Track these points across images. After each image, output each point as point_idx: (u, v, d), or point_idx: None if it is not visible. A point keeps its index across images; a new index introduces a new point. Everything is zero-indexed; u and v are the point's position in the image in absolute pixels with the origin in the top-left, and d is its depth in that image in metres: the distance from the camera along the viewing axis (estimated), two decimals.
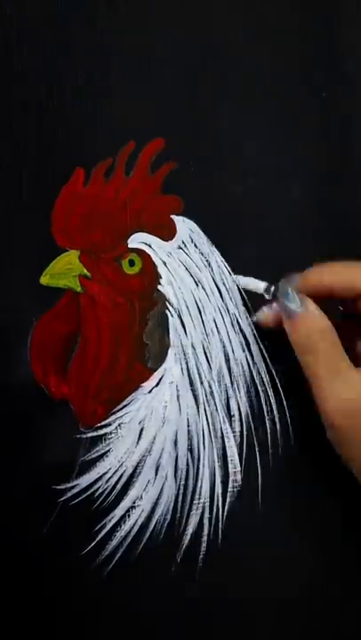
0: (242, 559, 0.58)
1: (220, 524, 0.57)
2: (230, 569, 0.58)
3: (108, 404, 0.57)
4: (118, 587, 0.57)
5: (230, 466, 0.57)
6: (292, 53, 0.61)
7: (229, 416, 0.58)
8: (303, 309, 0.53)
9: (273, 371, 0.59)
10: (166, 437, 0.57)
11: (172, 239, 0.58)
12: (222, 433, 0.57)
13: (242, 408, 0.58)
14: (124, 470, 0.56)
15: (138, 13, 0.58)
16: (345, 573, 0.60)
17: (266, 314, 0.57)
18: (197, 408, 0.57)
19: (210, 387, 0.57)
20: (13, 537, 0.56)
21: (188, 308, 0.57)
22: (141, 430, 0.57)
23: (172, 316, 0.57)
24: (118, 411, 0.57)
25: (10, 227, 0.57)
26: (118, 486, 0.56)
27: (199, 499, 0.57)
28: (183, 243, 0.58)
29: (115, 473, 0.56)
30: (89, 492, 0.56)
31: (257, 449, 0.58)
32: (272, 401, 0.58)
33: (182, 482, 0.57)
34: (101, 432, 0.57)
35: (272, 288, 0.56)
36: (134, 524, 0.56)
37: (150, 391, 0.57)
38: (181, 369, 0.57)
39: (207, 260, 0.58)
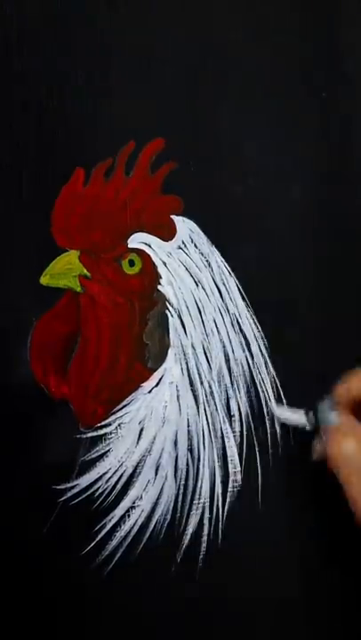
0: (242, 559, 0.58)
1: (220, 523, 0.57)
2: (230, 569, 0.58)
3: (108, 404, 0.57)
4: (118, 587, 0.56)
5: (230, 466, 0.57)
6: (292, 53, 0.61)
7: (229, 416, 0.58)
8: (338, 421, 0.53)
9: (273, 371, 0.59)
10: (166, 437, 0.57)
11: (172, 239, 0.58)
12: (222, 433, 0.57)
13: (242, 408, 0.58)
14: (124, 470, 0.56)
15: (138, 13, 0.58)
16: (345, 573, 0.60)
17: (319, 450, 0.56)
18: (197, 408, 0.57)
19: (210, 387, 0.57)
20: (13, 537, 0.56)
21: (188, 308, 0.57)
22: (141, 430, 0.57)
23: (172, 316, 0.57)
24: (118, 411, 0.57)
25: (10, 227, 0.57)
26: (118, 486, 0.56)
27: (199, 499, 0.57)
28: (183, 243, 0.58)
29: (115, 473, 0.56)
30: (89, 492, 0.56)
31: (257, 449, 0.58)
32: (272, 401, 0.58)
33: (182, 482, 0.57)
34: (101, 432, 0.57)
35: (310, 415, 0.55)
36: (134, 524, 0.56)
37: (150, 391, 0.57)
38: (181, 369, 0.57)
39: (207, 260, 0.58)
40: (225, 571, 0.57)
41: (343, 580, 0.60)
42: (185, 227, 0.58)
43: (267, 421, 0.58)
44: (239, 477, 0.58)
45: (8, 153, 0.57)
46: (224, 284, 0.58)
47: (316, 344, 0.60)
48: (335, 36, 0.62)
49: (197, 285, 0.58)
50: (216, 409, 0.57)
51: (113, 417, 0.57)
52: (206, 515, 0.57)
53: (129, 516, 0.56)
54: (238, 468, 0.58)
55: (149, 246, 0.57)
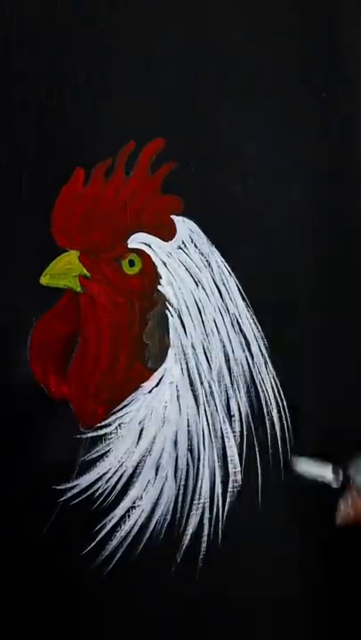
0: (242, 559, 0.58)
1: (220, 524, 0.57)
2: (230, 569, 0.58)
3: (108, 403, 0.57)
4: (118, 587, 0.56)
5: (230, 466, 0.57)
6: (292, 53, 0.61)
7: (229, 416, 0.58)
8: None
9: (273, 371, 0.58)
10: (166, 437, 0.57)
11: (172, 239, 0.58)
12: (222, 433, 0.57)
13: (242, 408, 0.58)
14: (124, 470, 0.56)
15: (138, 13, 0.58)
16: (345, 573, 0.60)
17: (345, 510, 0.53)
18: (197, 408, 0.57)
19: (210, 387, 0.57)
20: (13, 537, 0.56)
21: (188, 308, 0.57)
22: (141, 430, 0.57)
23: (172, 316, 0.57)
24: (118, 411, 0.57)
25: (10, 227, 0.57)
26: (118, 486, 0.56)
27: (199, 499, 0.57)
28: (183, 243, 0.58)
29: (115, 473, 0.56)
30: (89, 492, 0.56)
31: (257, 449, 0.58)
32: (272, 401, 0.58)
33: (182, 482, 0.57)
34: (101, 432, 0.57)
35: (340, 472, 0.53)
36: (134, 525, 0.56)
37: (150, 391, 0.57)
38: (181, 369, 0.57)
39: (207, 260, 0.58)
40: (225, 571, 0.58)
41: (343, 580, 0.60)
42: (185, 227, 0.58)
43: (267, 421, 0.58)
44: (239, 477, 0.58)
45: (8, 153, 0.57)
46: (224, 283, 0.58)
47: (316, 344, 0.60)
48: (335, 35, 0.62)
49: (197, 285, 0.58)
50: (216, 409, 0.57)
51: (113, 417, 0.57)
52: (206, 515, 0.57)
53: (129, 516, 0.56)
54: (238, 468, 0.58)
55: (149, 246, 0.57)
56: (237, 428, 0.58)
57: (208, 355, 0.57)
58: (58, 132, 0.57)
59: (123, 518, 0.56)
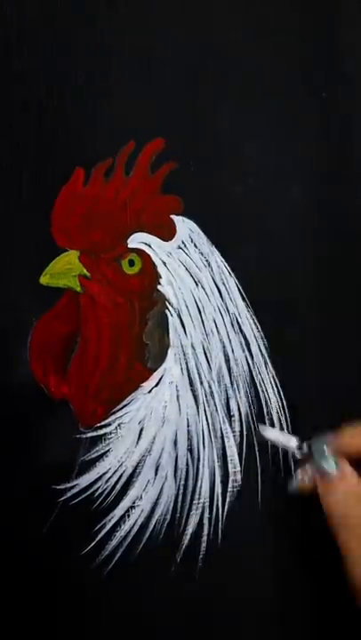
0: (242, 559, 0.58)
1: (220, 523, 0.57)
2: (230, 569, 0.58)
3: (107, 404, 0.57)
4: (118, 587, 0.57)
5: (230, 466, 0.57)
6: (292, 53, 0.61)
7: (229, 416, 0.58)
8: (340, 471, 0.51)
9: (273, 371, 0.59)
10: (166, 437, 0.57)
11: (171, 239, 0.58)
12: (222, 433, 0.57)
13: (242, 408, 0.58)
14: (124, 470, 0.56)
15: (138, 13, 0.58)
16: (345, 573, 0.60)
17: (302, 479, 0.54)
18: (197, 408, 0.57)
19: (210, 387, 0.57)
20: (13, 537, 0.56)
21: (187, 307, 0.57)
22: (141, 430, 0.57)
23: (171, 315, 0.57)
24: (118, 411, 0.57)
25: (10, 227, 0.57)
26: (118, 486, 0.56)
27: (199, 499, 0.57)
28: (183, 243, 0.58)
29: (114, 473, 0.56)
30: (89, 492, 0.56)
31: (257, 449, 0.58)
32: (272, 401, 0.58)
33: (182, 482, 0.57)
34: (101, 432, 0.57)
35: (305, 446, 0.54)
36: (134, 524, 0.56)
37: (150, 391, 0.57)
38: (181, 369, 0.57)
39: (207, 260, 0.58)
40: (225, 570, 0.58)
41: (343, 580, 0.60)
42: (185, 227, 0.58)
43: (267, 421, 0.58)
44: (239, 477, 0.58)
45: (8, 153, 0.57)
46: (224, 283, 0.58)
47: (316, 344, 0.60)
48: (335, 35, 0.62)
49: (197, 285, 0.58)
50: (216, 409, 0.57)
51: (113, 417, 0.57)
52: (206, 515, 0.57)
53: (129, 516, 0.56)
54: (238, 468, 0.58)
55: (149, 246, 0.57)
56: (237, 428, 0.58)
57: (208, 355, 0.57)
58: (58, 132, 0.57)
59: (122, 518, 0.56)
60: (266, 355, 0.59)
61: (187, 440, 0.57)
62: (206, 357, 0.57)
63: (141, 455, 0.57)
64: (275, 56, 0.61)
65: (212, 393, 0.57)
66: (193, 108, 0.59)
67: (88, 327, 0.57)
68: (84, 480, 0.56)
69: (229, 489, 0.57)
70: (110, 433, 0.57)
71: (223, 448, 0.57)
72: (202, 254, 0.58)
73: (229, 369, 0.58)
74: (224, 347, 0.58)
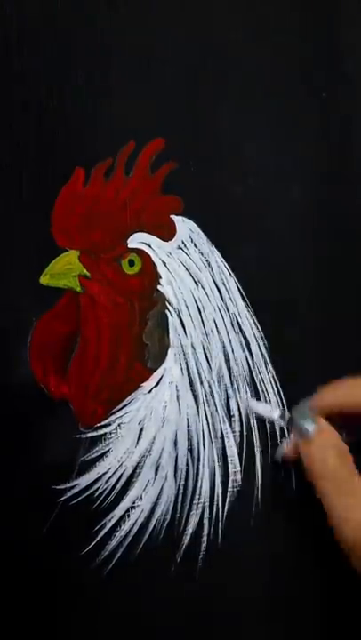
0: (242, 559, 0.58)
1: (220, 523, 0.57)
2: (230, 569, 0.58)
3: (107, 404, 0.57)
4: (118, 587, 0.56)
5: (230, 466, 0.57)
6: (292, 53, 0.61)
7: (229, 416, 0.58)
8: (318, 427, 0.53)
9: (273, 371, 0.59)
10: (166, 437, 0.57)
11: (171, 239, 0.58)
12: (222, 433, 0.57)
13: (242, 408, 0.58)
14: (124, 470, 0.56)
15: (138, 13, 0.58)
16: (346, 573, 0.60)
17: (287, 448, 0.56)
18: (197, 408, 0.57)
19: (210, 387, 0.57)
20: (13, 537, 0.56)
21: (187, 307, 0.57)
22: (141, 430, 0.57)
23: (171, 315, 0.57)
24: (118, 411, 0.57)
25: (10, 227, 0.57)
26: (118, 486, 0.56)
27: (199, 499, 0.57)
28: (183, 243, 0.58)
29: (114, 473, 0.56)
30: (89, 492, 0.56)
31: (257, 449, 0.58)
32: (272, 401, 0.58)
33: (182, 482, 0.57)
34: (101, 432, 0.57)
35: (287, 415, 0.56)
36: (134, 524, 0.56)
37: (150, 391, 0.57)
38: (181, 369, 0.57)
39: (207, 260, 0.58)
40: (225, 570, 0.57)
41: (344, 580, 0.60)
42: (185, 227, 0.58)
43: (267, 421, 0.58)
44: (239, 477, 0.58)
45: (8, 153, 0.57)
46: (224, 283, 0.58)
47: (316, 344, 0.60)
48: (335, 35, 0.62)
49: (197, 285, 0.58)
50: (216, 409, 0.57)
51: (113, 417, 0.57)
52: (206, 515, 0.57)
53: (129, 516, 0.56)
54: (238, 468, 0.58)
55: (149, 246, 0.57)
56: (237, 428, 0.58)
57: (208, 355, 0.57)
58: (58, 132, 0.57)
59: (122, 518, 0.56)
60: (266, 355, 0.59)
61: (187, 440, 0.57)
62: (206, 357, 0.57)
63: (141, 455, 0.57)
64: (275, 56, 0.61)
65: (212, 393, 0.57)
66: (193, 108, 0.59)
67: (88, 327, 0.57)
68: (84, 480, 0.56)
69: (229, 489, 0.57)
70: (110, 433, 0.57)
71: (223, 448, 0.57)
72: (202, 254, 0.58)
73: (229, 369, 0.58)
74: (224, 347, 0.58)
